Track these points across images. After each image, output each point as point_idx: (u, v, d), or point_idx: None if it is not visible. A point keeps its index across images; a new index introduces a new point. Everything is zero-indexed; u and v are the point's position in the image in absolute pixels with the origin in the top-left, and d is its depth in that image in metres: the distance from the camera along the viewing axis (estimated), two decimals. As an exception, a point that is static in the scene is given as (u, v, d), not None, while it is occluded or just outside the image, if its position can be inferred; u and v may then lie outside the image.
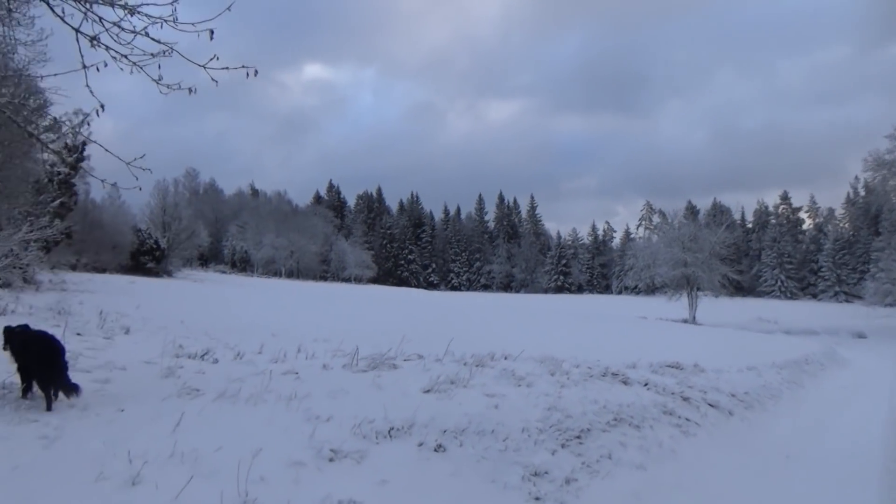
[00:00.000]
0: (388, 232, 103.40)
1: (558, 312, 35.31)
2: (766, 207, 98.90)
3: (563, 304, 55.84)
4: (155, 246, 44.23)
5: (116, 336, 8.75)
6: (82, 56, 5.16)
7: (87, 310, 12.22)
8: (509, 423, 5.35)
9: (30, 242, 16.32)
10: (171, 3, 4.83)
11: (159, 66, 5.04)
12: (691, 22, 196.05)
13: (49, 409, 4.38)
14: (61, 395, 4.52)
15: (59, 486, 3.24)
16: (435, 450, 4.62)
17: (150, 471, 3.46)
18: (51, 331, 5.25)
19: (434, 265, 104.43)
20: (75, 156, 19.34)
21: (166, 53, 5.14)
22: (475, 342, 10.46)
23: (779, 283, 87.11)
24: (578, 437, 5.54)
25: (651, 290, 42.03)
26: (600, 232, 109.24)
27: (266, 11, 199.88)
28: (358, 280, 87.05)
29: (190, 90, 5.30)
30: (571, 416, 5.89)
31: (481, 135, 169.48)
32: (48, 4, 5.34)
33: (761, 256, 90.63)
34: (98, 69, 5.15)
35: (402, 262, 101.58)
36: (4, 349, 4.78)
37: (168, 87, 5.31)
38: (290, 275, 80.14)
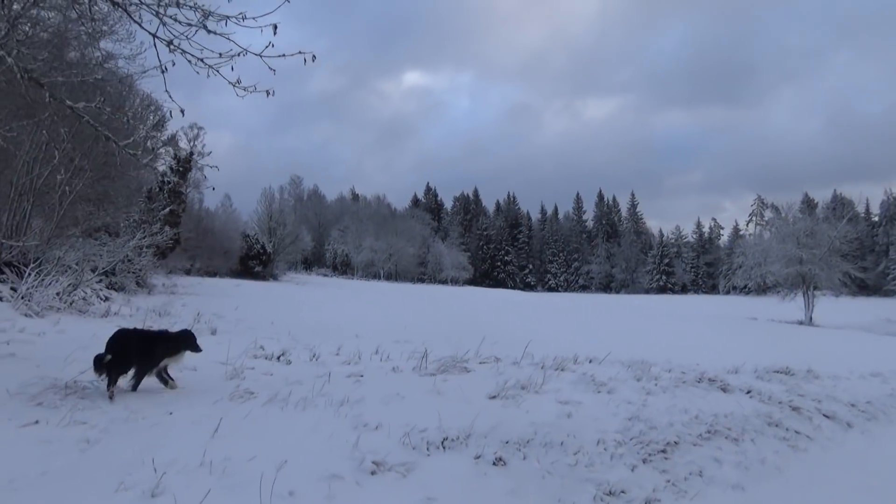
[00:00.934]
0: (485, 233, 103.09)
1: (658, 313, 33.28)
2: (895, 198, 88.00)
3: (665, 304, 53.01)
4: (262, 251, 46.84)
5: (202, 336, 8.97)
6: (160, 61, 5.32)
7: (186, 311, 12.89)
8: (582, 435, 4.78)
9: (143, 249, 17.59)
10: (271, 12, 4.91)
11: (232, 69, 5.15)
12: (802, 4, 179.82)
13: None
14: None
15: (77, 495, 3.11)
16: (493, 463, 4.14)
17: (173, 481, 3.25)
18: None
19: (531, 266, 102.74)
20: (182, 166, 20.70)
21: (241, 55, 5.19)
22: (562, 344, 9.95)
23: (908, 280, 77.37)
24: (664, 452, 4.86)
25: (762, 289, 38.53)
26: (706, 229, 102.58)
27: (367, 23, 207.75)
28: (454, 282, 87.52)
29: (267, 93, 5.48)
30: (656, 427, 5.20)
31: (578, 133, 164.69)
32: (125, 11, 5.50)
33: (889, 252, 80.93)
34: (164, 69, 5.31)
35: (499, 263, 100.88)
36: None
37: (245, 89, 5.46)
38: (389, 277, 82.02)
